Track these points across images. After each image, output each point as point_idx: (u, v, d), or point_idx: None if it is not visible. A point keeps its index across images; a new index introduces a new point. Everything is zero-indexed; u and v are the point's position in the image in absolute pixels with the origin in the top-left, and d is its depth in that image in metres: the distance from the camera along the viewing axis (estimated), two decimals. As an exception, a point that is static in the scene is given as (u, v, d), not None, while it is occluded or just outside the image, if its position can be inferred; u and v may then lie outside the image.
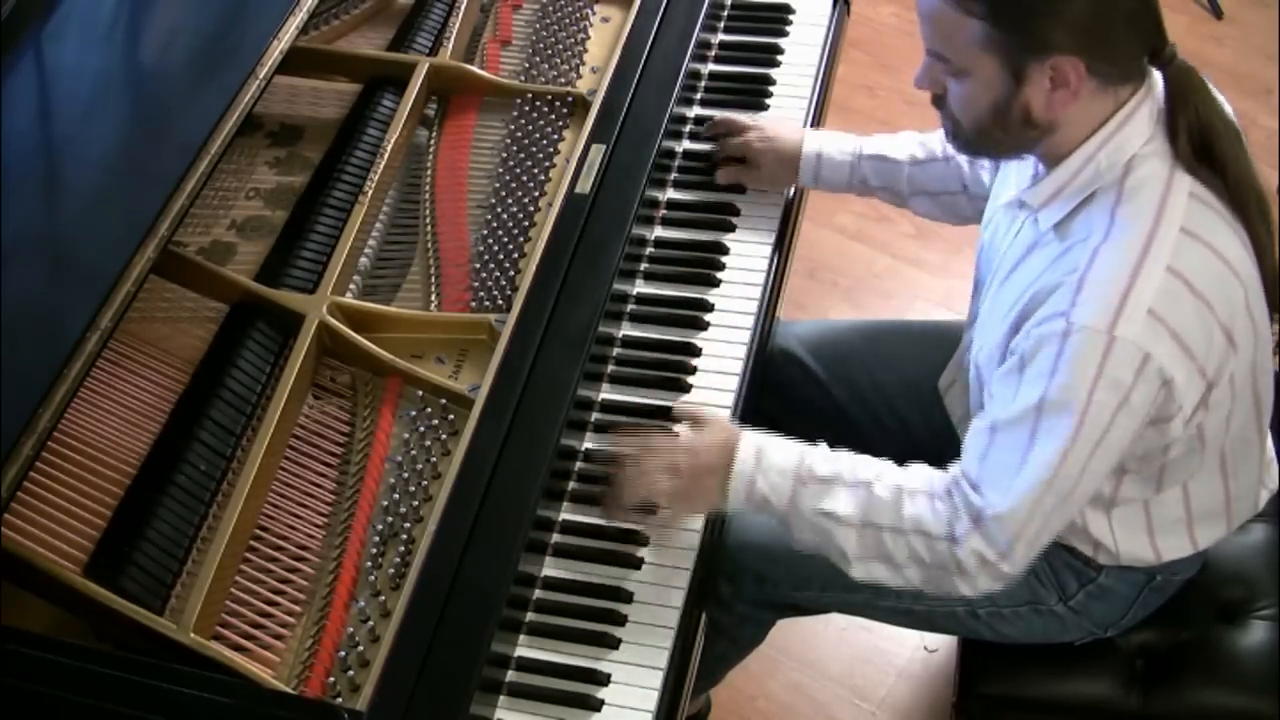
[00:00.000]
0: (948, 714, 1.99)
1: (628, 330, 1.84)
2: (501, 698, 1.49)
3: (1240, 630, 1.81)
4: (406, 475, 1.59)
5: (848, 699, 2.39)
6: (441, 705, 1.38)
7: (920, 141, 1.94)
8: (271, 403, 1.59)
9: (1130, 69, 1.49)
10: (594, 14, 2.14)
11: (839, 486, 1.57)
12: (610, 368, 1.79)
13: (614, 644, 1.54)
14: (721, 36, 2.22)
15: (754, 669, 2.31)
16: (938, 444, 1.79)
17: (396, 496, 1.57)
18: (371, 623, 1.46)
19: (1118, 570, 1.72)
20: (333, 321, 1.68)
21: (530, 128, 1.96)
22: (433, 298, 1.77)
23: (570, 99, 1.98)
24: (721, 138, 2.02)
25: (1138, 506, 1.66)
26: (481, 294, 1.75)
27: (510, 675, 1.51)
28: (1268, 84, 3.43)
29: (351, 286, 1.77)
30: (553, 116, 1.97)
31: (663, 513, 1.63)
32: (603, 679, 1.51)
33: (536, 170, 1.90)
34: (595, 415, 1.74)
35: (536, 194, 1.87)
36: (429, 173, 1.92)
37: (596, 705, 1.49)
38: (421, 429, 1.63)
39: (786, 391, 2.01)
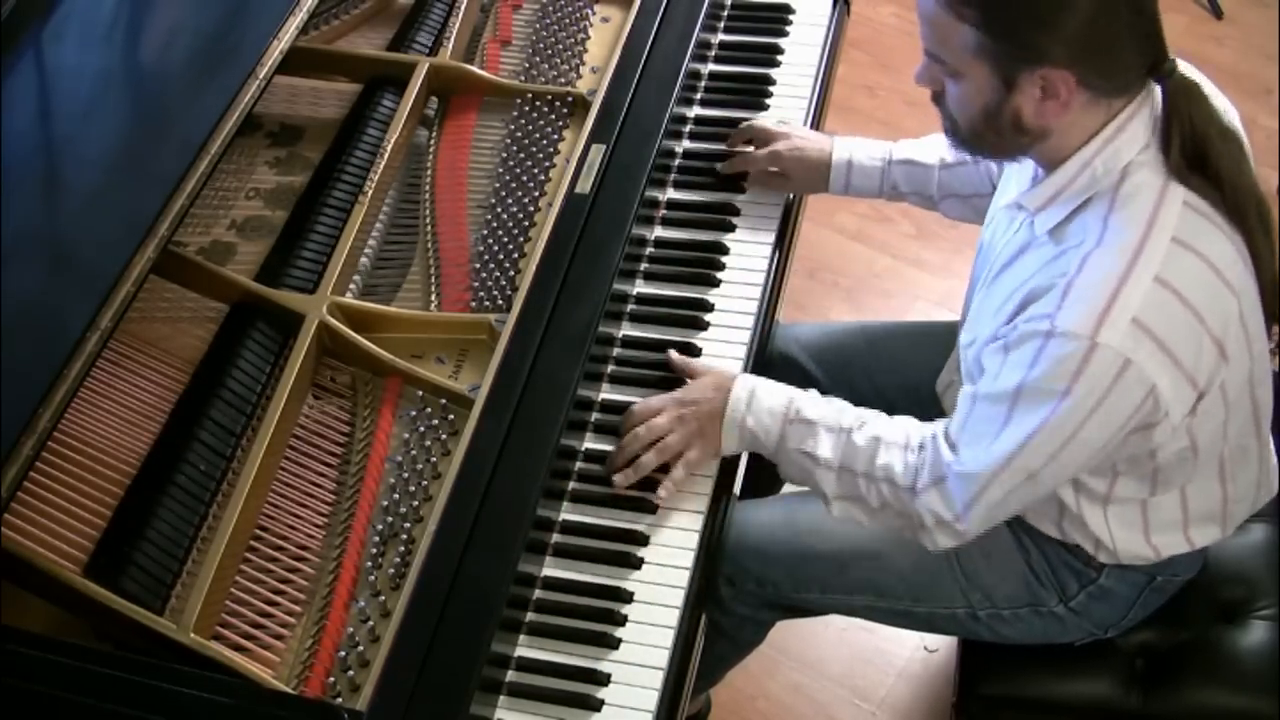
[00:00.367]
0: (948, 714, 1.99)
1: (628, 330, 1.84)
2: (501, 698, 1.49)
3: (1240, 630, 1.81)
4: (406, 475, 1.58)
5: (848, 699, 2.39)
6: (441, 705, 1.38)
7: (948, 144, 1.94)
8: (271, 403, 1.59)
9: (1127, 81, 1.49)
10: (594, 14, 2.14)
11: (822, 430, 1.65)
12: (610, 368, 1.79)
13: (614, 644, 1.54)
14: (721, 36, 2.22)
15: (754, 669, 2.31)
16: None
17: (396, 496, 1.57)
18: (371, 623, 1.46)
19: (1118, 571, 1.72)
20: (333, 321, 1.68)
21: (530, 128, 1.96)
22: (433, 298, 1.77)
23: (570, 99, 1.98)
24: (747, 145, 2.02)
25: (1134, 505, 1.66)
26: (481, 294, 1.75)
27: (510, 675, 1.51)
28: (1268, 84, 3.43)
29: (351, 286, 1.77)
30: (553, 116, 1.97)
31: (675, 471, 1.66)
32: (603, 679, 1.51)
33: (536, 170, 1.90)
34: (595, 415, 1.74)
35: (536, 194, 1.87)
36: (429, 173, 1.92)
37: (596, 705, 1.49)
38: (421, 429, 1.63)
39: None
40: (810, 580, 1.80)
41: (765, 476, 1.98)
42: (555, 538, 1.63)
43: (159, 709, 1.34)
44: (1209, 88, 1.55)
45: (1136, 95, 1.50)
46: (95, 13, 1.84)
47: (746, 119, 2.06)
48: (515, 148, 1.93)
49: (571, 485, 1.68)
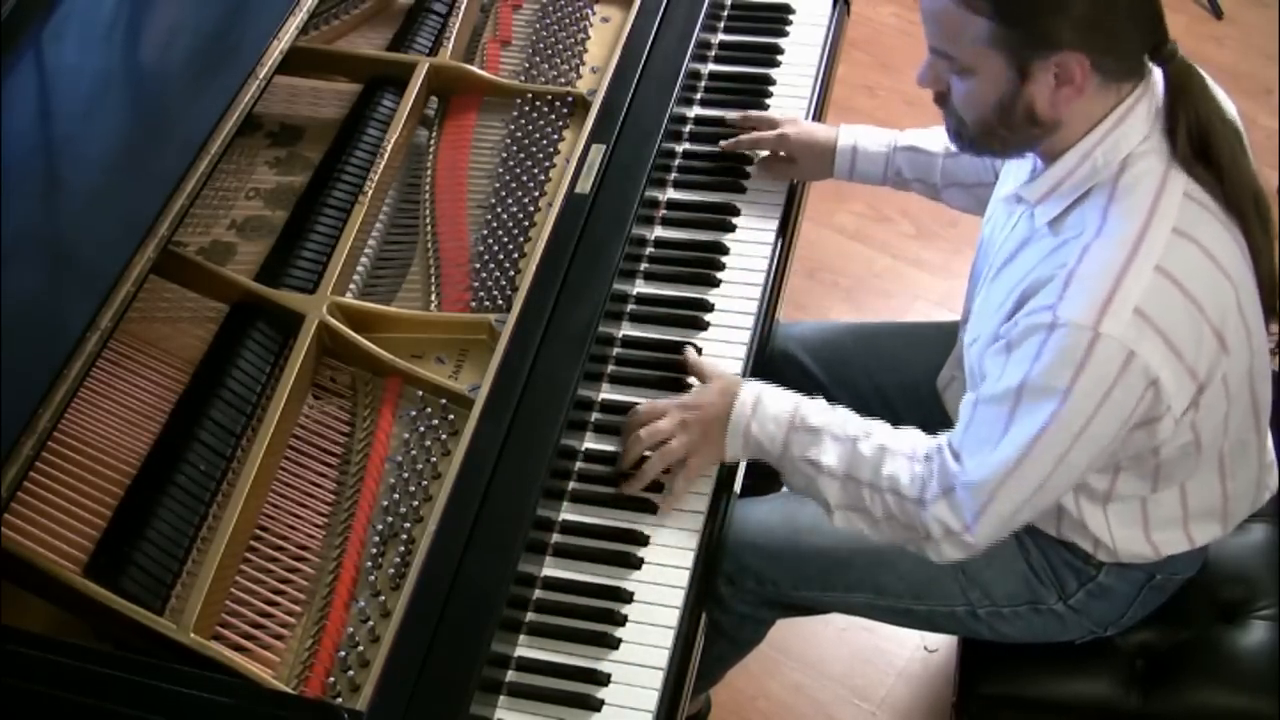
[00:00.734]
0: (948, 714, 1.99)
1: (628, 330, 1.84)
2: (501, 698, 1.49)
3: (1240, 630, 1.81)
4: (406, 475, 1.58)
5: (848, 699, 2.39)
6: (441, 705, 1.38)
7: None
8: (271, 403, 1.59)
9: (1133, 64, 1.49)
10: (594, 14, 2.14)
11: (827, 438, 1.63)
12: (610, 368, 1.79)
13: (614, 644, 1.54)
14: (721, 36, 2.22)
15: (754, 669, 2.31)
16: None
17: (396, 496, 1.57)
18: (371, 623, 1.46)
19: (1117, 569, 1.73)
20: (333, 321, 1.68)
21: (530, 128, 1.96)
22: (433, 298, 1.77)
23: (570, 99, 1.98)
24: (752, 133, 2.03)
25: (1134, 503, 1.66)
26: (481, 294, 1.75)
27: (510, 675, 1.51)
28: (1268, 84, 3.44)
29: (351, 286, 1.77)
30: (553, 116, 1.97)
31: (675, 484, 1.66)
32: (603, 679, 1.51)
33: (536, 170, 1.90)
34: (595, 415, 1.74)
35: (536, 194, 1.87)
36: (429, 173, 1.92)
37: (596, 705, 1.49)
38: (421, 429, 1.63)
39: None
40: (810, 578, 1.80)
41: (765, 474, 1.98)
42: (555, 538, 1.63)
43: (159, 709, 1.34)
44: (1209, 80, 1.55)
45: (1141, 81, 1.50)
46: (95, 13, 1.84)
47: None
48: (515, 148, 1.93)
49: (571, 485, 1.68)
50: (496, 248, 1.80)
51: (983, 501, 1.53)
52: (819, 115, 2.16)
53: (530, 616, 1.56)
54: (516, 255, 1.79)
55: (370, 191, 1.82)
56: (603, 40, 2.10)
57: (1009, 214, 1.66)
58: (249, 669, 1.41)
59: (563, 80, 2.03)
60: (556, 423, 1.59)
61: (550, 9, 2.14)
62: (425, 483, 1.58)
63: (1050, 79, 1.46)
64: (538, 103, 1.98)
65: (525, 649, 1.53)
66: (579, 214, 1.79)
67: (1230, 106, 1.58)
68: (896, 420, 1.96)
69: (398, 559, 1.51)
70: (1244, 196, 1.52)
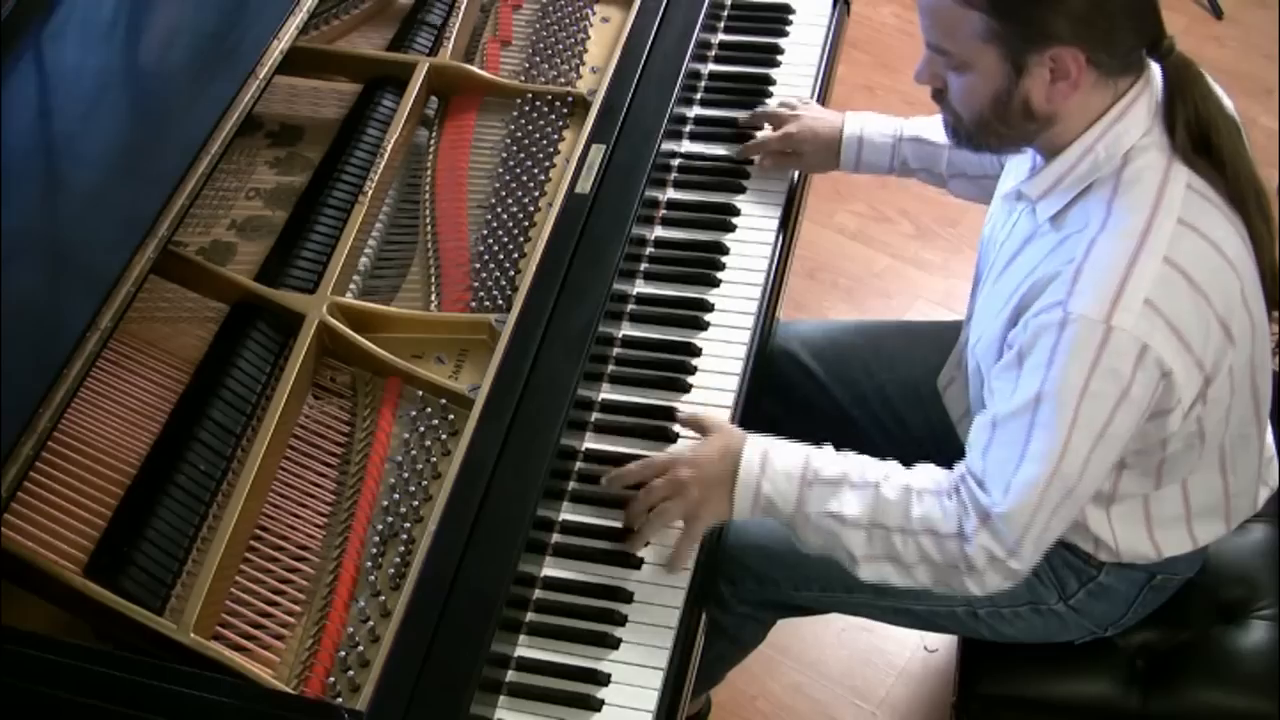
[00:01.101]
0: (948, 714, 1.99)
1: (628, 330, 1.84)
2: (501, 698, 1.49)
3: (1240, 630, 1.81)
4: (406, 475, 1.58)
5: (848, 699, 2.39)
6: (441, 705, 1.38)
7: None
8: (271, 403, 1.59)
9: (1130, 59, 1.49)
10: (594, 14, 2.14)
11: (846, 488, 1.57)
12: (610, 368, 1.79)
13: (614, 644, 1.54)
14: (721, 36, 2.22)
15: (754, 669, 2.31)
16: (937, 444, 1.79)
17: (396, 496, 1.57)
18: (371, 623, 1.46)
19: (1118, 569, 1.72)
20: (333, 321, 1.68)
21: (530, 128, 1.96)
22: (433, 298, 1.77)
23: (570, 99, 1.98)
24: (759, 136, 2.03)
25: (1137, 502, 1.66)
26: (481, 294, 1.75)
27: (510, 675, 1.51)
28: (1268, 84, 3.44)
29: (351, 286, 1.77)
30: (553, 116, 1.97)
31: (681, 545, 1.61)
32: (603, 679, 1.51)
33: (536, 170, 1.90)
34: (595, 415, 1.74)
35: (536, 194, 1.87)
36: (429, 173, 1.92)
37: (596, 705, 1.49)
38: (421, 429, 1.63)
39: (786, 392, 2.01)
40: (810, 579, 1.80)
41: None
42: (555, 538, 1.63)
43: (159, 709, 1.34)
44: (1207, 75, 1.55)
45: (1139, 76, 1.50)
46: (95, 13, 1.85)
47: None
48: (515, 148, 1.93)
49: (571, 485, 1.68)
50: (496, 248, 1.80)
51: (1023, 524, 1.50)
52: (819, 115, 2.16)
53: (530, 616, 1.56)
54: (516, 255, 1.79)
55: (370, 191, 1.82)
56: (603, 40, 2.10)
57: (1010, 212, 1.66)
58: (249, 669, 1.41)
59: (563, 80, 2.03)
60: (556, 423, 1.59)
61: (550, 9, 2.14)
62: (425, 483, 1.58)
63: (1046, 74, 1.46)
64: (538, 103, 1.98)
65: (525, 649, 1.53)
66: (579, 214, 1.79)
67: (1228, 102, 1.58)
68: (897, 419, 1.97)
69: (398, 559, 1.51)
70: (1245, 189, 1.53)
